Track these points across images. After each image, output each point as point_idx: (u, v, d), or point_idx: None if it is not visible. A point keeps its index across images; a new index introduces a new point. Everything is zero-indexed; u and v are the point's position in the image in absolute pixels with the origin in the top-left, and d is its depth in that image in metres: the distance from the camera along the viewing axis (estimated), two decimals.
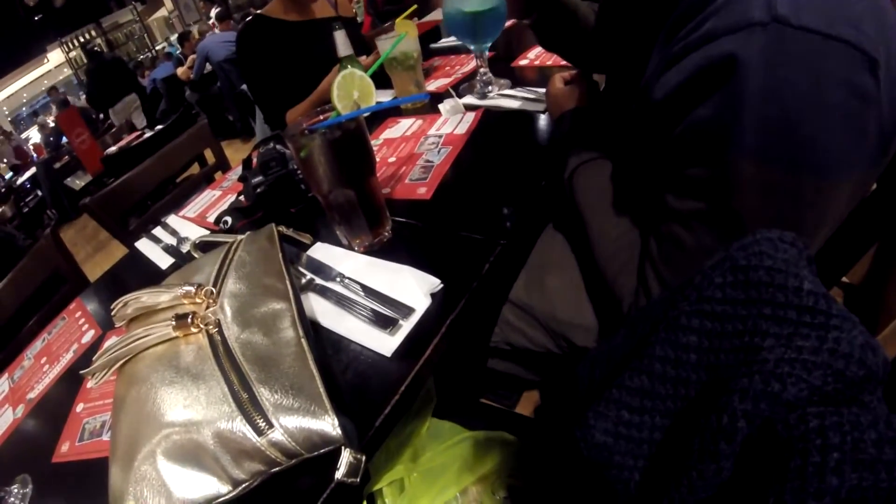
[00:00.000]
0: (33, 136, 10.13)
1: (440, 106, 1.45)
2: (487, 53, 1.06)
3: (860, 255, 0.86)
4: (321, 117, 0.87)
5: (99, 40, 12.49)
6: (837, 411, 0.32)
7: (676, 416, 0.43)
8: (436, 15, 1.84)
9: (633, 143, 0.83)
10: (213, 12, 8.19)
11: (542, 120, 1.26)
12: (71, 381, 0.95)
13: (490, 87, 1.08)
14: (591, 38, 1.08)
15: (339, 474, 0.53)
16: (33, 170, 6.67)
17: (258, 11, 1.97)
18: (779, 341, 0.37)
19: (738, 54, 0.56)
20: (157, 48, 12.56)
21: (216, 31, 7.00)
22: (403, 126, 1.43)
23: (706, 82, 0.60)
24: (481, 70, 1.09)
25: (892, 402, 0.36)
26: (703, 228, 0.67)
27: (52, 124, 8.08)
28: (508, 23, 1.15)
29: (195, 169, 2.50)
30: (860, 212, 0.70)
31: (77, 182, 5.44)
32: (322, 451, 0.56)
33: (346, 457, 0.54)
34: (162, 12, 13.41)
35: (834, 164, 0.58)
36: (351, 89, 0.85)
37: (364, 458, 0.55)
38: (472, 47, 1.08)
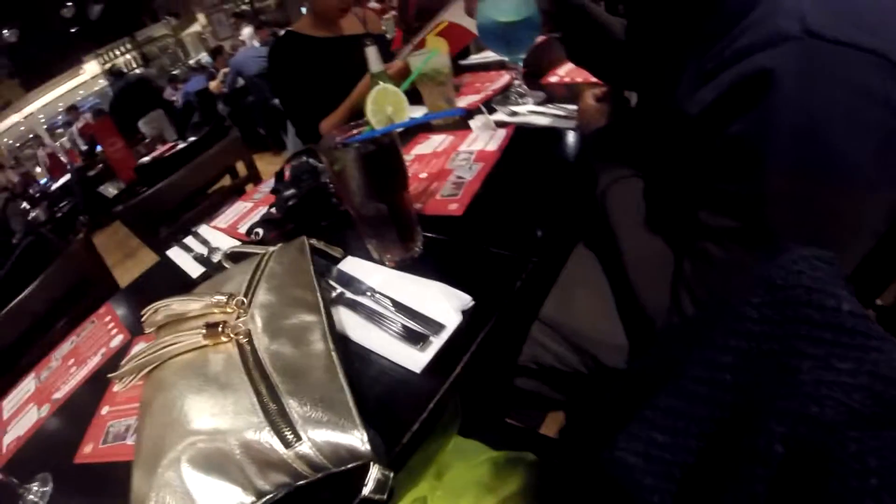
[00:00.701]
0: (67, 144, 10.35)
1: (471, 122, 1.46)
2: (521, 65, 1.06)
3: (894, 276, 0.84)
4: (355, 131, 0.87)
5: (134, 53, 12.82)
6: (876, 435, 0.31)
7: (710, 438, 0.42)
8: (459, 18, 1.85)
9: (667, 160, 0.83)
10: (245, 31, 8.38)
11: (574, 137, 1.25)
12: (97, 384, 0.96)
13: (525, 99, 1.08)
14: (621, 52, 1.07)
15: (366, 490, 0.53)
16: (68, 176, 6.83)
17: (289, 28, 2.01)
18: (816, 362, 0.36)
19: (772, 69, 0.56)
20: (191, 62, 12.84)
21: (254, 42, 7.15)
22: (435, 142, 1.44)
23: (742, 98, 0.60)
24: (515, 82, 1.09)
25: None
26: (737, 246, 0.66)
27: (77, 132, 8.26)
28: (539, 38, 1.15)
29: (226, 180, 2.54)
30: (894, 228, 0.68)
31: (110, 190, 5.56)
32: (349, 465, 0.55)
33: (374, 473, 0.54)
34: (195, 27, 13.72)
35: (871, 180, 0.57)
36: (385, 104, 0.86)
37: (392, 474, 0.55)
38: (505, 58, 1.08)
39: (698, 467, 0.43)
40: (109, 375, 0.69)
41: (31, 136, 10.82)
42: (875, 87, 0.53)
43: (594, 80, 1.35)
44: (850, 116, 0.54)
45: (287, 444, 0.54)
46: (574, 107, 1.32)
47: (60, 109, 11.90)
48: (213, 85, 6.99)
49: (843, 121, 0.54)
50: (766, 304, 0.40)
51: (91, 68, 12.95)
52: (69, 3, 10.55)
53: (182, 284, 1.15)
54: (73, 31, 11.67)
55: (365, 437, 0.54)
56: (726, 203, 0.66)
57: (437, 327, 0.75)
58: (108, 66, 12.64)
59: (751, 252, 0.65)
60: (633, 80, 1.12)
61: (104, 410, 0.87)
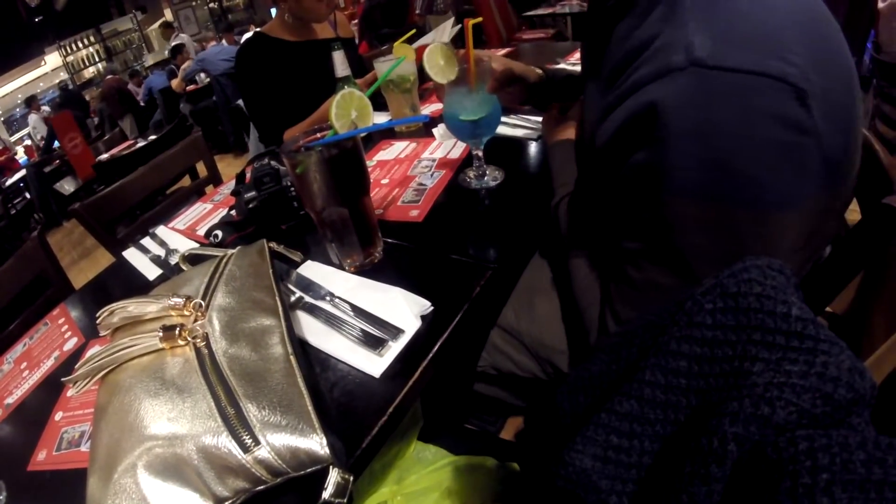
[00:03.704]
0: (26, 139, 10.03)
1: (434, 130, 1.47)
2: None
3: (843, 285, 0.87)
4: (318, 135, 0.87)
5: (97, 46, 12.50)
6: (826, 433, 0.32)
7: (666, 440, 0.44)
8: (427, 39, 1.87)
9: (592, 187, 0.86)
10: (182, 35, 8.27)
11: (536, 148, 1.27)
12: (51, 389, 0.94)
13: (485, 177, 1.14)
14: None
15: (326, 494, 0.53)
16: (23, 171, 6.62)
17: (259, 29, 1.98)
18: (768, 366, 0.38)
19: (658, 101, 0.58)
20: (145, 63, 12.59)
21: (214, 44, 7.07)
22: (397, 148, 1.44)
23: (636, 130, 0.62)
24: (476, 163, 1.14)
25: (880, 425, 0.36)
26: (651, 266, 0.69)
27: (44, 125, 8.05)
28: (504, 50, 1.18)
29: (186, 181, 2.49)
30: (843, 242, 0.71)
31: (66, 187, 5.38)
32: (309, 470, 0.55)
33: (333, 476, 0.53)
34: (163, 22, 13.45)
35: (771, 197, 0.58)
36: (349, 108, 0.86)
37: (352, 478, 0.55)
38: (470, 144, 1.14)
39: (655, 468, 0.44)
40: (63, 379, 0.67)
41: None
42: (762, 106, 0.55)
43: None
44: (744, 138, 0.56)
45: (245, 449, 0.54)
46: (539, 118, 1.34)
47: (19, 101, 11.50)
48: (174, 83, 6.87)
49: (737, 143, 0.56)
50: (720, 311, 0.42)
51: (52, 60, 12.57)
52: None
53: (138, 286, 1.13)
54: (37, 20, 11.30)
55: (324, 441, 0.54)
56: (636, 228, 0.69)
57: (396, 332, 0.75)
58: (70, 58, 12.30)
59: (662, 270, 0.68)
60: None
61: (58, 416, 0.85)
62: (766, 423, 0.35)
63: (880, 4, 1.70)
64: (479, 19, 1.10)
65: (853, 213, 0.91)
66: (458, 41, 1.19)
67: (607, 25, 0.75)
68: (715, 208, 0.60)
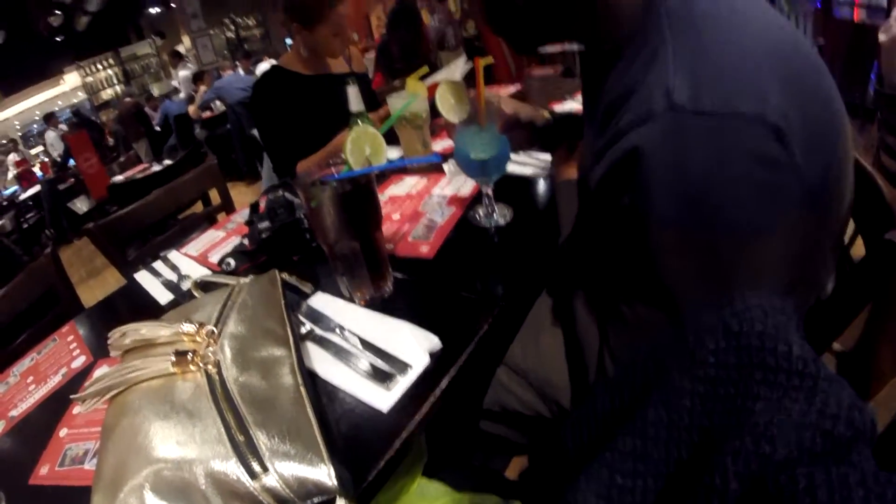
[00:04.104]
0: (42, 155, 10.14)
1: (445, 166, 1.49)
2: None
3: (848, 321, 0.88)
4: (333, 170, 0.89)
5: (116, 69, 12.72)
6: (826, 470, 0.33)
7: (669, 478, 0.44)
8: (439, 76, 1.90)
9: (587, 227, 0.88)
10: (181, 73, 8.34)
11: (545, 186, 1.29)
12: (56, 404, 0.94)
13: (495, 215, 1.17)
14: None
15: None
16: (38, 187, 6.68)
17: (276, 62, 2.03)
18: (769, 404, 0.38)
19: (640, 146, 0.60)
20: (173, 83, 12.80)
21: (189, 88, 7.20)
22: (408, 184, 1.47)
23: (621, 174, 0.64)
24: (486, 200, 1.17)
25: (881, 461, 0.37)
26: (640, 305, 0.71)
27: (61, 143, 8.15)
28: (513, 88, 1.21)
29: (198, 207, 2.52)
30: (848, 277, 0.72)
31: (80, 206, 5.43)
32: (315, 500, 0.56)
33: None
34: (179, 49, 13.69)
35: (749, 228, 0.60)
36: (364, 145, 0.89)
37: None
38: (480, 182, 1.17)
39: None
40: (72, 396, 0.68)
41: (3, 141, 10.54)
42: (738, 146, 0.57)
43: None
44: (719, 176, 0.58)
45: (253, 476, 0.54)
46: (548, 156, 1.36)
47: (37, 118, 11.66)
48: (191, 109, 6.98)
49: (712, 181, 0.58)
50: (723, 350, 0.42)
51: (71, 79, 12.77)
52: (57, 12, 10.41)
53: (149, 309, 1.14)
54: (58, 39, 11.53)
55: (332, 472, 0.55)
56: (627, 267, 0.71)
57: (405, 367, 0.76)
58: (88, 78, 12.52)
59: (651, 310, 0.70)
60: None
61: (62, 432, 0.86)
62: (768, 461, 0.35)
63: (882, 38, 1.71)
64: (490, 60, 1.12)
65: (858, 248, 0.92)
66: (468, 79, 1.22)
67: (601, 70, 0.77)
68: (696, 241, 0.62)
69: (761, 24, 0.64)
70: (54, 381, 1.01)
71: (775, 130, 0.56)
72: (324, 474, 0.55)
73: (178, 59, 9.56)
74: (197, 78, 7.53)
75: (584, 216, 0.92)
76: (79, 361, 1.05)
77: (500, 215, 1.16)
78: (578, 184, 0.98)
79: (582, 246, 0.93)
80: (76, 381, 0.99)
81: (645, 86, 0.63)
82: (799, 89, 0.60)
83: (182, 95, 7.40)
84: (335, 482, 0.54)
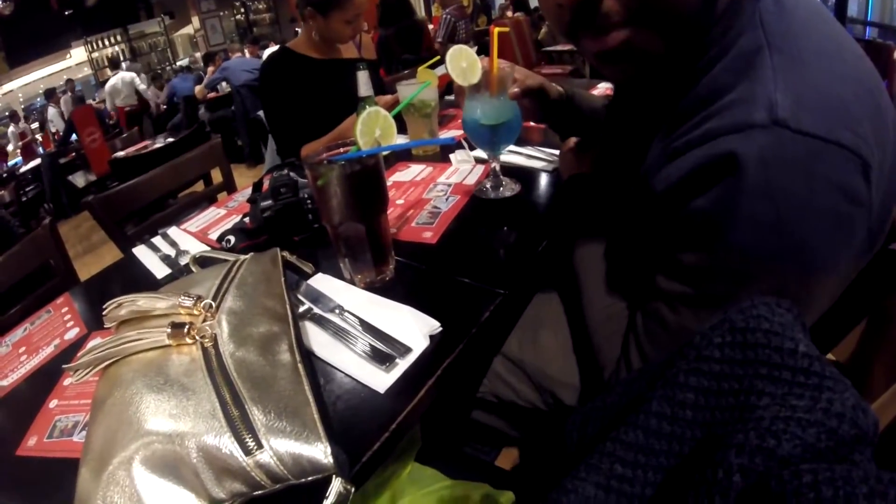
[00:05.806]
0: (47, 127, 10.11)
1: (451, 156, 1.49)
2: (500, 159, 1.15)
3: (844, 333, 0.88)
4: (341, 150, 0.88)
5: (123, 46, 12.71)
6: (830, 467, 0.32)
7: (670, 472, 0.44)
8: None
9: (630, 225, 0.86)
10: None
11: (549, 180, 1.29)
12: (47, 376, 0.93)
13: (502, 188, 1.16)
14: (602, 130, 1.12)
15: (327, 503, 0.52)
16: (38, 160, 6.67)
17: (286, 45, 2.02)
18: (774, 400, 0.38)
19: (738, 152, 0.58)
20: (178, 63, 12.78)
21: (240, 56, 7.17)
22: (414, 171, 1.46)
23: (707, 177, 0.62)
24: (495, 170, 1.16)
25: (882, 464, 0.36)
26: (687, 311, 0.69)
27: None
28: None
29: (199, 186, 2.51)
30: (846, 290, 0.71)
31: (79, 180, 5.41)
32: (309, 478, 0.54)
33: (336, 486, 0.53)
34: (188, 30, 13.68)
35: (820, 263, 0.60)
36: (374, 126, 0.88)
37: (354, 489, 0.54)
38: (487, 153, 1.16)
39: (658, 499, 0.44)
40: (64, 367, 0.67)
41: (7, 113, 10.51)
42: (834, 179, 0.55)
43: None
44: (807, 204, 0.56)
45: (247, 452, 0.53)
46: (555, 151, 1.36)
47: (40, 91, 11.64)
48: (198, 89, 6.97)
49: (799, 208, 0.57)
50: (728, 345, 0.42)
51: (78, 54, 12.76)
52: None
53: (146, 283, 1.14)
54: (67, 13, 11.50)
55: (328, 450, 0.54)
56: (681, 271, 0.69)
57: (404, 349, 0.75)
58: (95, 54, 12.49)
59: (698, 316, 0.68)
60: (607, 153, 1.16)
61: (52, 404, 0.85)
62: (772, 456, 0.35)
63: None
64: (507, 28, 1.11)
65: None
66: (481, 52, 1.20)
67: (676, 64, 0.73)
68: (764, 265, 0.61)
69: (854, 50, 0.63)
70: (46, 353, 1.00)
71: (864, 166, 0.55)
72: (319, 452, 0.54)
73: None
74: (207, 59, 7.53)
75: (627, 215, 0.90)
76: (72, 333, 1.04)
77: (508, 188, 1.15)
78: (618, 181, 0.96)
79: (617, 244, 0.91)
80: (69, 352, 0.98)
81: (739, 93, 0.61)
82: (881, 125, 0.59)
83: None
84: (331, 460, 0.54)
